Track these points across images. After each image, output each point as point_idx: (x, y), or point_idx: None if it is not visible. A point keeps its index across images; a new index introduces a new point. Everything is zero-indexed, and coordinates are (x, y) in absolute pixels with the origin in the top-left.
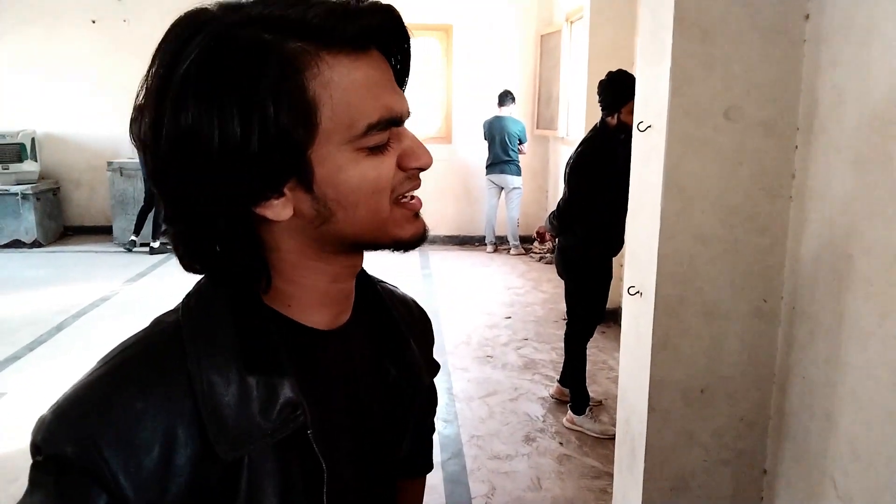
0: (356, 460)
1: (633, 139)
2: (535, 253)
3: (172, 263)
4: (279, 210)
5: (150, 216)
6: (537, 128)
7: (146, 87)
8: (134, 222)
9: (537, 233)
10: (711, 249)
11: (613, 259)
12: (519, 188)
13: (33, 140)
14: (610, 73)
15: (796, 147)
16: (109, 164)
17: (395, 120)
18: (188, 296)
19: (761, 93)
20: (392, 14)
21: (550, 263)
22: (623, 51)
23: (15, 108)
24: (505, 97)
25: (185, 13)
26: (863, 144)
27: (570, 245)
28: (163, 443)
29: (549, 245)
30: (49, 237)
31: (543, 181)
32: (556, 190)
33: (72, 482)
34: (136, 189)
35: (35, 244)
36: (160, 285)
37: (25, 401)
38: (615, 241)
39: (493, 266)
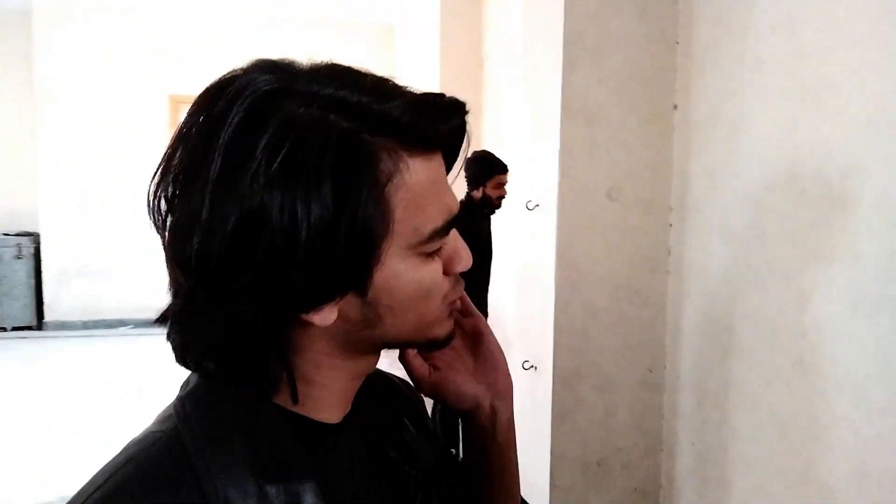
0: None
1: (517, 217)
2: None
3: None
4: (326, 315)
5: None
6: None
7: (188, 166)
8: None
9: None
10: (601, 322)
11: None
12: None
13: None
14: (475, 152)
15: (671, 225)
16: None
17: (454, 220)
18: (180, 400)
19: (639, 174)
20: (465, 112)
21: None
22: None
23: None
24: None
25: (228, 78)
26: (736, 222)
27: None
28: None
29: None
30: None
31: None
32: None
33: None
34: None
35: None
36: None
37: None
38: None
39: None
